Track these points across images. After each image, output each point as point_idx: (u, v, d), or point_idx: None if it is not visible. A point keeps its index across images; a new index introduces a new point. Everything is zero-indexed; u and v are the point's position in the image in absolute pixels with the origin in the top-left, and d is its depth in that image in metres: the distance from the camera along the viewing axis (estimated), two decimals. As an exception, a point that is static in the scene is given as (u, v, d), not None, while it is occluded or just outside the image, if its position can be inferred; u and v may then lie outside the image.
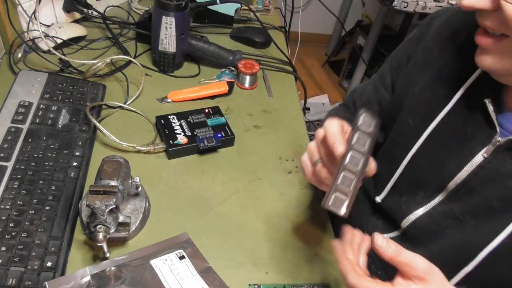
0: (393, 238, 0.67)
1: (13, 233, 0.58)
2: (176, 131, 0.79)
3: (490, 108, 0.54)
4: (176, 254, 0.59)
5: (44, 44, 0.88)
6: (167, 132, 0.78)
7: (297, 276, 0.64)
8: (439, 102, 0.61)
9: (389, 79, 0.76)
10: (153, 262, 0.58)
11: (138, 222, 0.64)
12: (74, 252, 0.61)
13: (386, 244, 0.46)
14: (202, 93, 0.91)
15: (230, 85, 0.93)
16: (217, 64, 0.99)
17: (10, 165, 0.66)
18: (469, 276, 0.55)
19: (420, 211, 0.64)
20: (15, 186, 0.63)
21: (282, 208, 0.73)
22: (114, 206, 0.56)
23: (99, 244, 0.56)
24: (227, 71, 0.99)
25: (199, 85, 0.94)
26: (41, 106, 0.76)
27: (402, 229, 0.68)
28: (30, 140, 0.70)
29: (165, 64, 0.95)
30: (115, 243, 0.63)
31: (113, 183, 0.59)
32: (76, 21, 1.03)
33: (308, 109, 2.17)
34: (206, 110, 0.84)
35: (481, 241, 0.54)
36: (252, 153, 0.82)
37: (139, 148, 0.75)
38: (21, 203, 0.62)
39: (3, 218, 0.59)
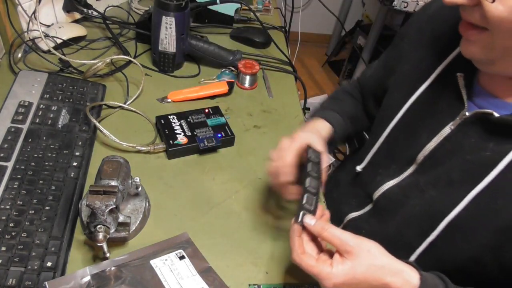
0: (365, 213, 0.72)
1: (13, 233, 0.58)
2: (176, 131, 0.79)
3: (461, 82, 0.57)
4: (176, 254, 0.59)
5: (44, 44, 0.88)
6: (167, 132, 0.78)
7: (297, 276, 0.64)
8: (421, 77, 0.64)
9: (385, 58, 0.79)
10: (153, 262, 0.58)
11: (138, 222, 0.64)
12: (74, 252, 0.61)
13: (315, 222, 0.53)
14: (202, 93, 0.91)
15: (230, 85, 0.93)
16: (217, 64, 0.99)
17: (10, 165, 0.66)
18: (432, 246, 0.58)
19: (391, 183, 0.67)
20: (15, 186, 0.63)
21: (282, 208, 0.73)
22: (114, 206, 0.56)
23: (99, 244, 0.56)
24: (227, 71, 0.99)
25: (199, 85, 0.94)
26: (41, 106, 0.76)
27: (374, 201, 0.70)
28: (30, 140, 0.70)
29: (165, 64, 0.95)
30: (115, 243, 0.63)
31: (113, 183, 0.59)
32: (76, 21, 1.03)
33: (308, 109, 2.16)
34: (206, 110, 0.84)
35: (441, 212, 0.57)
36: (252, 153, 0.82)
37: (139, 148, 0.75)
38: (21, 203, 0.62)
39: (3, 218, 0.59)
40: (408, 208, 0.63)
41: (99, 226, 0.56)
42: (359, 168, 0.75)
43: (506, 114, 0.52)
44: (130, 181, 0.64)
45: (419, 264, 0.55)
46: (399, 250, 0.56)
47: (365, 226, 0.72)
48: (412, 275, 0.51)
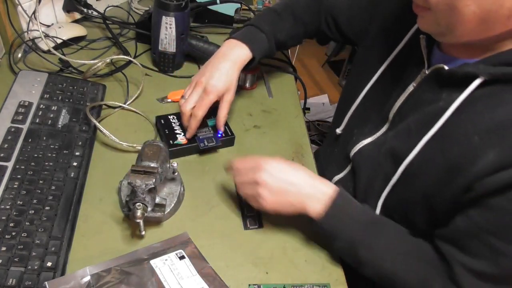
0: (346, 174, 0.79)
1: (13, 233, 0.58)
2: (176, 131, 0.79)
3: (423, 43, 0.64)
4: (176, 254, 0.59)
5: (44, 44, 0.88)
6: (167, 132, 0.78)
7: (297, 276, 0.64)
8: (396, 42, 0.71)
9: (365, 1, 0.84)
10: (153, 262, 0.58)
11: (172, 205, 0.67)
12: (74, 252, 0.61)
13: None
14: (202, 93, 0.91)
15: (230, 85, 0.93)
16: (217, 64, 0.99)
17: (10, 165, 0.66)
18: (394, 188, 0.65)
19: (367, 141, 0.73)
20: (15, 186, 0.63)
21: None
22: (153, 186, 0.60)
23: (136, 221, 0.60)
24: (227, 71, 0.99)
25: (199, 85, 0.94)
26: (41, 106, 0.76)
27: (351, 160, 0.76)
28: (30, 140, 0.70)
29: (165, 64, 0.95)
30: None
31: (153, 164, 0.62)
32: (76, 21, 1.03)
33: (308, 109, 2.16)
34: (206, 110, 0.84)
35: (400, 157, 0.63)
36: (252, 153, 0.82)
37: (139, 148, 0.75)
38: (21, 203, 0.62)
39: (3, 218, 0.59)
40: (377, 160, 0.69)
41: (138, 204, 0.59)
42: (338, 130, 0.81)
43: (455, 66, 0.58)
44: (168, 165, 0.67)
45: (384, 207, 0.66)
46: (369, 198, 0.68)
47: (350, 185, 0.76)
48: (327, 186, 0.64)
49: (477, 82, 0.55)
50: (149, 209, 0.61)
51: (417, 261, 0.61)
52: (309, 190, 0.63)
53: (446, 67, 0.58)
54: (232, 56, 0.77)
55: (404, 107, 0.66)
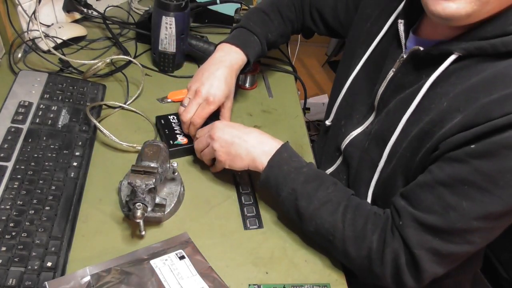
0: (338, 167, 0.79)
1: (13, 233, 0.58)
2: (176, 131, 0.79)
3: (401, 28, 0.65)
4: (176, 254, 0.59)
5: (44, 44, 0.88)
6: (167, 132, 0.78)
7: (297, 276, 0.64)
8: (378, 30, 0.72)
9: None
10: (153, 262, 0.58)
11: (172, 205, 0.67)
12: (74, 252, 0.61)
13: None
14: (202, 93, 0.91)
15: (230, 85, 0.93)
16: (217, 64, 0.99)
17: (10, 165, 0.66)
18: (381, 173, 0.66)
19: (357, 131, 0.73)
20: (15, 186, 0.63)
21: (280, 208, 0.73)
22: (153, 186, 0.60)
23: (136, 221, 0.60)
24: (227, 71, 0.99)
25: (199, 85, 0.94)
26: (41, 106, 0.76)
27: (342, 152, 0.76)
28: (30, 140, 0.70)
29: (165, 64, 0.95)
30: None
31: (153, 165, 0.62)
32: (76, 21, 1.03)
33: (308, 109, 2.16)
34: (206, 110, 0.84)
35: (384, 142, 0.64)
36: (252, 153, 0.82)
37: (139, 148, 0.75)
38: (21, 203, 0.62)
39: (3, 218, 0.59)
40: (365, 149, 0.70)
41: (138, 204, 0.59)
42: (327, 122, 0.82)
43: (429, 47, 0.59)
44: (168, 165, 0.66)
45: (373, 196, 0.67)
46: (359, 188, 0.69)
47: (343, 178, 0.77)
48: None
49: (452, 58, 0.56)
50: (149, 209, 0.61)
51: (355, 214, 0.62)
52: (258, 144, 0.67)
53: (421, 48, 0.60)
54: (228, 62, 0.77)
55: (387, 92, 0.67)
